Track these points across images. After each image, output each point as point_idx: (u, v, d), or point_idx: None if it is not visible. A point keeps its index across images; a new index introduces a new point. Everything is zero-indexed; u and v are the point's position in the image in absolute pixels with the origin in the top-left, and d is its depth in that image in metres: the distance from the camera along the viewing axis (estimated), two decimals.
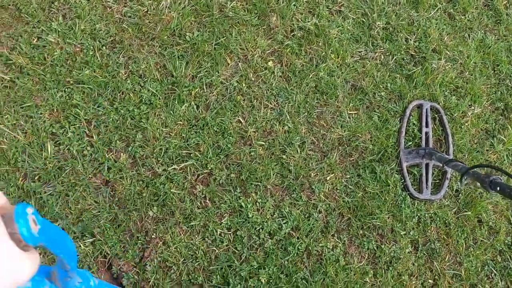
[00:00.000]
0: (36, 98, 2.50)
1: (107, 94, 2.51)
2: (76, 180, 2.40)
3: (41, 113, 2.48)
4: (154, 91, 2.54)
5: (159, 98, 2.54)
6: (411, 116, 2.83)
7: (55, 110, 2.49)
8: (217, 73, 2.63)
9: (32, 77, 2.51)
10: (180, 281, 2.31)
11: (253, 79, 2.66)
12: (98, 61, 2.57)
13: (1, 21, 2.61)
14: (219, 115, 2.57)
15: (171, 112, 2.53)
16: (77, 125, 2.47)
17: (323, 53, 2.79)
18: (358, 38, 2.91)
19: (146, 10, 2.70)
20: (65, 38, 2.59)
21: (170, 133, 2.51)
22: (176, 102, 2.55)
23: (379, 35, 2.94)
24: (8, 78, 2.49)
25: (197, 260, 2.35)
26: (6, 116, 2.43)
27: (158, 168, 2.45)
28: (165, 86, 2.57)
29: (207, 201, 2.45)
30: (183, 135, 2.51)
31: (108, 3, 2.70)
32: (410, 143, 2.80)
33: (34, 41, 2.59)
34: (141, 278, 2.27)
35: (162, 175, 2.44)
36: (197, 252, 2.36)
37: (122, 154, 2.47)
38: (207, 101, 2.59)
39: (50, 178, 2.39)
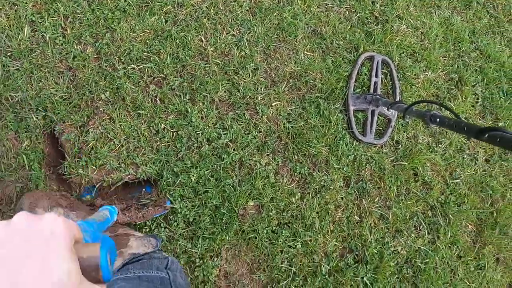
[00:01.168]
0: None
1: None
2: (43, 62, 2.66)
3: (26, 3, 2.76)
4: (130, 1, 2.80)
5: (133, 8, 2.80)
6: (363, 67, 3.03)
7: (39, 2, 2.77)
8: None
9: None
10: (118, 154, 2.53)
11: (221, 8, 2.91)
12: None
13: None
14: (183, 31, 2.81)
15: (141, 21, 2.78)
16: (55, 18, 2.74)
17: None
18: None
19: None
20: None
21: (136, 38, 2.76)
22: (147, 14, 2.81)
23: None
24: None
25: (139, 143, 2.56)
26: None
27: (118, 66, 2.69)
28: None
29: (157, 100, 2.68)
30: (147, 41, 2.76)
31: None
32: (359, 90, 2.98)
33: None
34: (81, 140, 2.49)
35: (121, 71, 2.68)
36: (140, 136, 2.58)
37: (89, 47, 2.73)
38: (175, 18, 2.84)
39: (21, 57, 2.65)
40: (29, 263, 0.56)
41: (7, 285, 0.53)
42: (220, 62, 2.81)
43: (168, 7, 2.85)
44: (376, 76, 3.01)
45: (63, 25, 2.74)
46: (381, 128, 2.98)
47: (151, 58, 2.74)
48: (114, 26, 2.75)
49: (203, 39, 2.84)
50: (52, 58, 2.67)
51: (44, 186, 2.53)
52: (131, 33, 2.76)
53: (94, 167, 2.52)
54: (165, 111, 2.66)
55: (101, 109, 2.61)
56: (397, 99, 3.00)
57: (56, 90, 2.61)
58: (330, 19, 3.07)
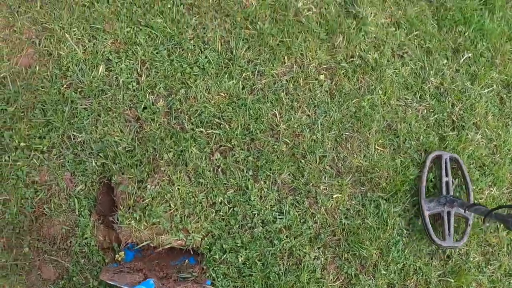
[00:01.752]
0: (106, 25, 2.69)
1: (168, 46, 2.69)
2: (112, 106, 2.56)
3: (105, 39, 2.67)
4: (211, 59, 2.70)
5: (213, 67, 2.70)
6: (432, 167, 2.92)
7: (118, 41, 2.68)
8: (272, 65, 2.78)
9: (111, 6, 2.71)
10: (172, 217, 2.44)
11: (301, 84, 2.81)
12: (172, 15, 2.75)
13: None
14: (259, 102, 2.71)
15: (218, 83, 2.68)
16: (132, 62, 2.65)
17: (373, 87, 2.92)
18: (409, 86, 3.03)
19: None
20: None
21: (210, 100, 2.66)
22: (226, 76, 2.71)
23: (429, 90, 3.06)
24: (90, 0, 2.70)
25: (194, 210, 2.47)
26: (74, 29, 2.64)
27: (187, 126, 2.59)
28: (222, 59, 2.73)
29: (219, 170, 2.58)
30: (220, 106, 2.66)
31: None
32: (431, 192, 2.90)
33: None
34: (137, 194, 2.40)
35: (189, 132, 2.58)
36: (196, 203, 2.49)
37: (161, 100, 2.63)
38: (253, 87, 2.74)
39: (91, 95, 2.56)
40: None
41: None
42: (289, 142, 2.71)
43: (248, 73, 2.75)
44: (447, 175, 2.85)
45: (139, 70, 2.65)
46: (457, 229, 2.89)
47: (221, 124, 2.64)
48: (190, 82, 2.66)
49: (277, 114, 2.74)
50: (122, 104, 2.58)
51: (90, 235, 2.44)
52: (206, 94, 2.67)
53: (146, 224, 2.43)
54: (225, 183, 2.56)
55: (162, 168, 2.52)
56: (471, 195, 2.87)
57: (120, 140, 2.51)
58: (407, 115, 2.97)
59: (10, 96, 2.54)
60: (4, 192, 2.43)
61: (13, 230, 2.41)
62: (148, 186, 2.45)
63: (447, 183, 2.85)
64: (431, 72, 3.11)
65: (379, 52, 3.02)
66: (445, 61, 3.19)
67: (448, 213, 2.77)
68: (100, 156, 2.50)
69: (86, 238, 2.42)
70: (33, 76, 2.59)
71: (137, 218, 2.42)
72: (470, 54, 3.24)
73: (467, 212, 2.68)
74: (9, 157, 2.47)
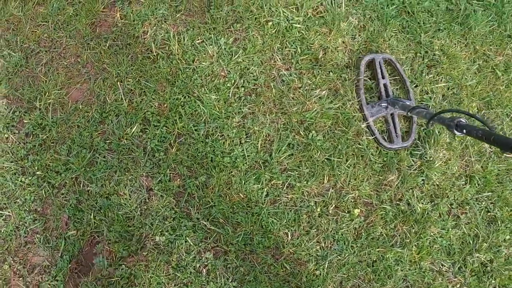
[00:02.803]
0: (159, 85, 2.65)
1: (210, 126, 2.59)
2: (131, 168, 2.57)
3: (153, 98, 2.63)
4: (246, 155, 2.57)
5: (244, 164, 2.56)
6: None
7: (165, 105, 2.63)
8: (306, 182, 2.58)
9: (169, 67, 2.66)
10: None
11: (330, 211, 2.59)
12: (228, 95, 2.64)
13: (191, 9, 2.77)
14: (276, 216, 2.54)
15: (243, 182, 2.55)
16: (170, 130, 2.61)
17: (408, 241, 2.62)
18: (452, 253, 2.68)
19: (299, 86, 2.70)
20: (220, 58, 2.69)
21: (227, 196, 2.54)
22: (254, 178, 2.56)
23: (472, 265, 2.68)
24: (155, 54, 2.67)
25: None
26: (129, 80, 2.67)
27: (194, 213, 2.51)
28: (257, 159, 2.58)
29: (204, 270, 2.48)
30: (234, 206, 2.54)
31: (277, 58, 2.74)
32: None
33: (197, 41, 2.72)
34: (109, 269, 2.42)
35: (193, 221, 2.50)
36: None
37: (178, 180, 2.57)
38: (277, 198, 2.57)
39: (116, 151, 2.56)
40: None
41: None
42: (289, 268, 2.52)
43: (278, 182, 2.58)
44: (383, 77, 2.77)
45: (171, 142, 2.59)
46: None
47: (225, 226, 2.52)
48: (214, 172, 2.55)
49: (289, 235, 2.55)
50: (141, 169, 2.55)
51: (61, 279, 2.48)
52: (224, 187, 2.55)
53: None
54: (204, 285, 2.46)
55: (144, 252, 2.47)
56: (410, 93, 2.78)
57: (125, 204, 2.51)
58: (434, 284, 2.64)
59: (47, 124, 2.61)
60: (9, 208, 2.52)
61: (3, 246, 2.50)
62: (123, 265, 2.42)
63: (385, 85, 2.77)
64: (484, 244, 2.71)
65: (433, 204, 2.69)
66: (508, 237, 2.76)
67: (392, 115, 2.74)
68: (100, 212, 2.51)
69: (57, 280, 2.46)
70: (75, 112, 2.64)
71: None
72: None
73: (409, 114, 2.59)
74: (24, 179, 2.55)
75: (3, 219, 2.54)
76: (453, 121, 2.07)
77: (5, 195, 2.56)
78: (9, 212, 2.54)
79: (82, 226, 2.52)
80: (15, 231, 2.53)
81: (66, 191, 2.54)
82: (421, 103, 2.79)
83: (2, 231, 2.53)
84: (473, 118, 2.22)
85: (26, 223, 2.53)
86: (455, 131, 2.05)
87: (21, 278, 2.49)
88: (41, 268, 2.50)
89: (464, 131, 2.01)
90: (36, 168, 2.57)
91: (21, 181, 2.57)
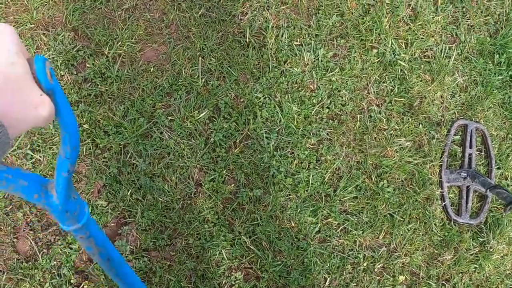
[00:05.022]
0: (242, 76, 2.40)
1: (282, 138, 2.35)
2: (186, 155, 2.29)
3: (231, 88, 2.37)
4: (310, 182, 2.33)
5: (305, 191, 2.33)
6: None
7: (242, 99, 2.37)
8: (361, 232, 2.37)
9: (258, 60, 2.40)
10: None
11: (375, 270, 2.38)
12: (310, 112, 2.39)
13: (298, 5, 2.51)
14: (321, 257, 2.32)
15: (298, 209, 2.33)
16: (236, 127, 2.34)
17: None
18: None
19: (385, 128, 2.47)
20: (314, 69, 2.45)
21: (277, 219, 2.30)
22: (310, 209, 2.34)
23: None
24: (247, 41, 2.40)
25: None
26: (212, 58, 2.35)
27: (237, 226, 2.26)
28: (320, 190, 2.36)
29: None
30: (281, 232, 2.30)
31: (371, 90, 2.50)
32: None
33: (296, 42, 2.46)
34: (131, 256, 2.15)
35: (234, 233, 2.25)
36: None
37: (233, 185, 2.31)
38: (328, 238, 2.34)
39: (176, 130, 2.29)
40: None
41: None
42: None
43: (335, 222, 2.36)
44: (471, 147, 2.60)
45: (237, 142, 2.33)
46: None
47: (266, 250, 2.29)
48: (272, 189, 2.30)
49: (327, 281, 2.34)
50: (196, 160, 2.30)
51: (76, 248, 2.20)
52: (277, 209, 2.31)
53: None
54: None
55: (174, 250, 2.22)
56: (493, 172, 2.60)
57: (168, 191, 2.27)
58: None
59: (110, 76, 2.32)
60: (42, 153, 2.23)
61: None
62: (145, 258, 2.17)
63: (470, 155, 2.60)
64: None
65: None
66: None
67: (467, 188, 2.55)
68: (139, 192, 2.23)
69: (70, 248, 2.20)
70: (144, 74, 2.35)
71: None
72: None
73: (488, 192, 2.43)
74: None
75: (32, 163, 2.24)
76: None
77: (41, 137, 2.26)
78: (40, 156, 2.24)
79: (115, 200, 2.24)
80: None
81: (109, 156, 2.26)
82: None
83: None
84: None
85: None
86: None
87: (32, 232, 2.21)
88: (56, 229, 2.21)
89: None
90: (84, 120, 2.28)
91: None
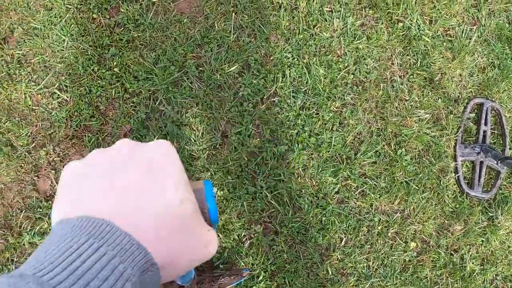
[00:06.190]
0: (272, 35, 2.42)
1: (308, 99, 2.38)
2: (214, 107, 2.29)
3: (262, 45, 2.39)
4: (333, 144, 2.37)
5: (328, 151, 2.36)
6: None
7: (271, 57, 2.39)
8: (378, 196, 2.41)
9: (289, 21, 2.43)
10: None
11: (389, 235, 2.42)
12: (336, 76, 2.43)
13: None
14: (338, 217, 2.35)
15: (319, 168, 2.35)
16: (264, 84, 2.36)
17: None
18: None
19: (406, 99, 2.53)
20: (342, 36, 2.49)
21: (297, 175, 2.33)
22: (331, 170, 2.37)
23: None
24: (279, 2, 2.42)
25: None
26: (244, 15, 2.37)
27: (260, 181, 2.28)
28: (341, 152, 2.39)
29: (248, 241, 2.25)
30: (302, 190, 2.33)
31: (395, 61, 2.55)
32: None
33: (326, 8, 2.50)
34: None
35: (257, 191, 2.27)
36: None
37: (258, 139, 2.33)
38: (347, 199, 2.38)
39: (206, 82, 2.30)
40: (148, 190, 0.49)
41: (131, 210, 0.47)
42: (330, 273, 2.35)
43: (354, 184, 2.40)
44: (486, 124, 2.67)
45: (264, 98, 2.35)
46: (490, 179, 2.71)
47: (286, 206, 2.31)
48: (296, 147, 2.33)
49: (343, 241, 2.38)
50: (224, 113, 2.31)
51: None
52: (300, 167, 2.33)
53: None
54: (241, 255, 2.23)
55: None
56: (506, 149, 2.70)
57: (194, 140, 2.25)
58: None
59: (143, 23, 2.32)
60: (69, 93, 2.22)
61: (47, 130, 2.20)
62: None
63: (484, 132, 2.68)
64: None
65: (481, 268, 2.57)
66: None
67: (481, 163, 2.64)
68: (165, 139, 2.23)
69: None
70: (177, 24, 2.36)
71: None
72: None
73: (499, 164, 2.53)
74: (97, 70, 2.26)
75: (58, 102, 2.23)
76: None
77: (69, 77, 2.25)
78: (67, 97, 2.23)
79: None
80: (67, 119, 2.23)
81: (138, 101, 2.26)
82: None
83: (53, 114, 2.22)
84: None
85: (82, 115, 2.23)
86: None
87: (53, 171, 2.20)
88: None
89: None
90: (114, 63, 2.28)
91: (92, 69, 2.27)
